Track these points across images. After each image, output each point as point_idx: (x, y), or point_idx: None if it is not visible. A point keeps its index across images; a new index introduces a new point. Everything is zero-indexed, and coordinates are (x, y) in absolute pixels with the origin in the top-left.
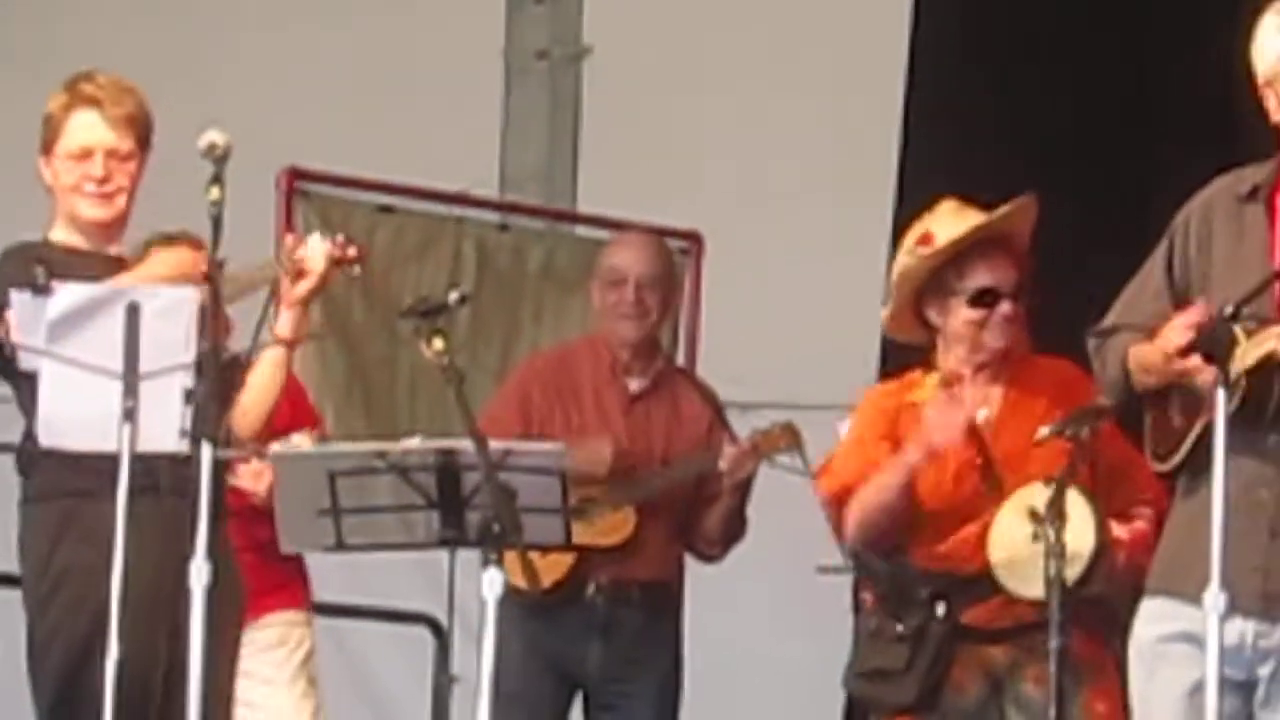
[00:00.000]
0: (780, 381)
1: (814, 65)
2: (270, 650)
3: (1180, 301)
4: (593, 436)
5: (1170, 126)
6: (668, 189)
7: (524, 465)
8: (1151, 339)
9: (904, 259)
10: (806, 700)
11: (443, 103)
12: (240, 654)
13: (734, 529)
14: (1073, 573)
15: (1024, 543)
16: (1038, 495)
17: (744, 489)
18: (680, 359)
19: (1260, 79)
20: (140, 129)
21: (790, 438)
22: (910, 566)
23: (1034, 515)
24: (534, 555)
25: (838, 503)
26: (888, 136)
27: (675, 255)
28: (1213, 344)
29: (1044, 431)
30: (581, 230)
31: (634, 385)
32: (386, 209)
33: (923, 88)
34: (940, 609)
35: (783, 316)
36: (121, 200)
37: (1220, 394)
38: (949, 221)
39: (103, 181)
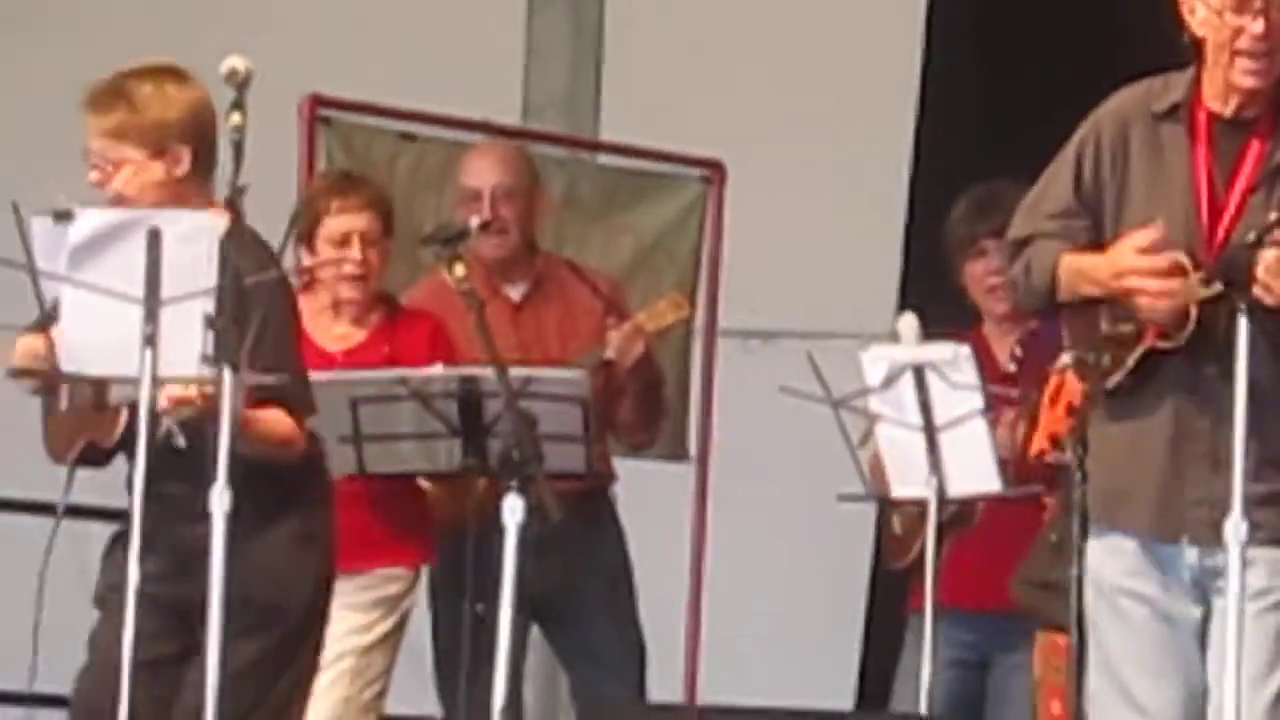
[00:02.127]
0: (802, 310)
1: None
2: (356, 613)
3: (1092, 216)
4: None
5: None
6: (690, 117)
7: (545, 393)
8: (1077, 249)
9: None
10: (824, 634)
11: (465, 30)
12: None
13: (651, 413)
14: None
15: None
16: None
17: (647, 370)
18: (703, 287)
19: None
20: (139, 136)
21: (675, 309)
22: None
23: (1054, 441)
24: (439, 487)
25: (1053, 441)
26: (910, 66)
27: (531, 159)
28: (1232, 269)
29: (1064, 359)
30: (604, 158)
31: (515, 293)
32: (408, 136)
33: (945, 15)
34: None
35: (805, 245)
36: (122, 202)
37: (1242, 322)
38: None
39: (99, 182)
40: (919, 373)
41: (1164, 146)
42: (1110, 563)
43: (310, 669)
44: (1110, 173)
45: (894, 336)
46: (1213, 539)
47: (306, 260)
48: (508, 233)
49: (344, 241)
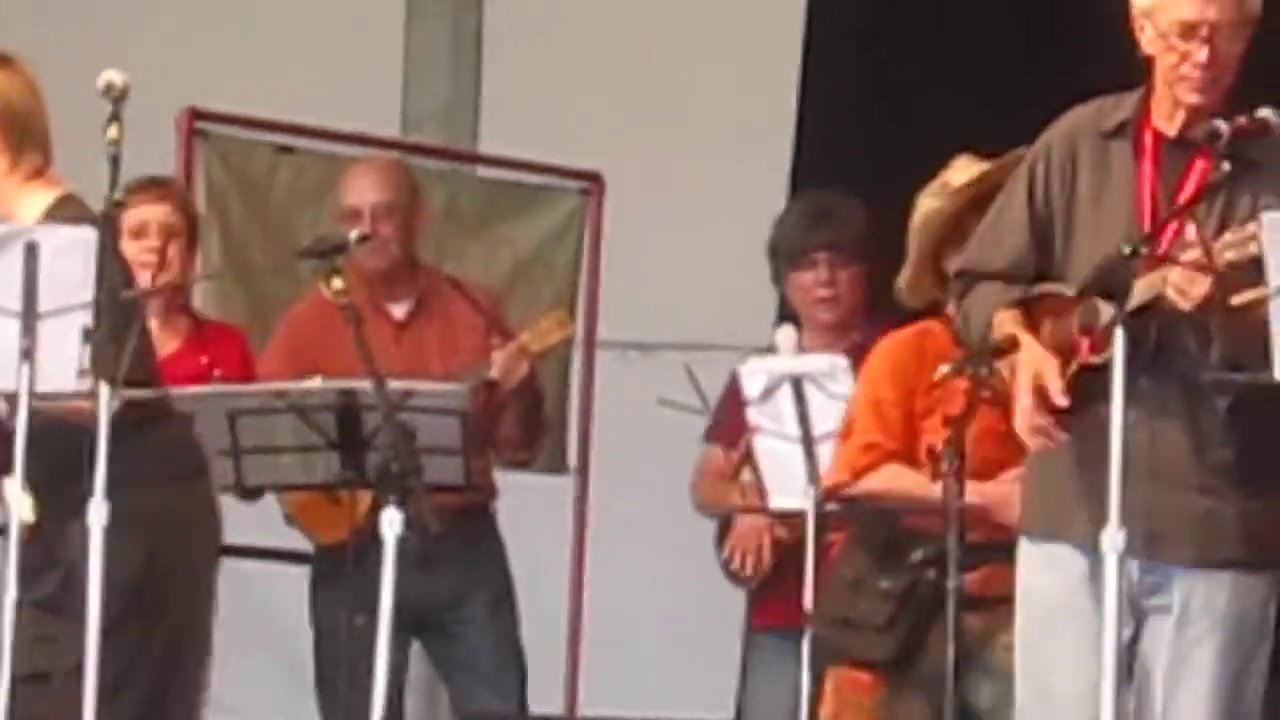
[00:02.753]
0: (680, 322)
1: (718, 5)
2: None
3: (1041, 238)
4: None
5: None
6: (569, 130)
7: (424, 406)
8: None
9: (926, 202)
10: (704, 646)
11: (343, 42)
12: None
13: (532, 431)
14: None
15: None
16: None
17: (530, 389)
18: (581, 300)
19: (1135, 10)
20: None
21: (559, 328)
22: (901, 526)
23: (931, 454)
24: (329, 503)
25: (853, 476)
26: (788, 77)
27: (413, 174)
28: (1112, 282)
29: (944, 369)
30: (483, 171)
31: (398, 311)
32: (287, 149)
33: (824, 24)
34: (930, 574)
35: (683, 257)
36: None
37: (1119, 333)
38: (966, 168)
39: None
40: (797, 384)
41: (1111, 164)
42: (1045, 576)
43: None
44: (1059, 191)
45: (772, 348)
46: (1150, 553)
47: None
48: (388, 249)
49: (140, 232)
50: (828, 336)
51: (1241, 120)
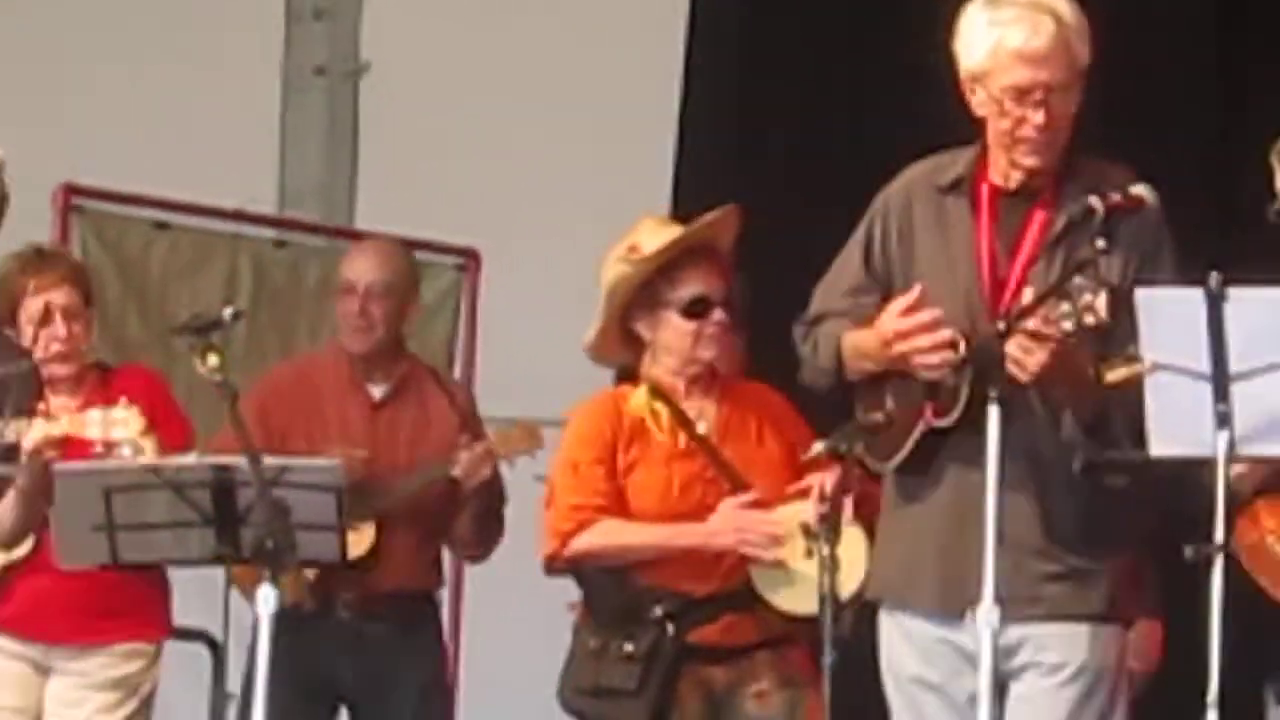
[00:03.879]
0: (560, 397)
1: (590, 82)
2: (104, 692)
3: (884, 293)
4: (326, 453)
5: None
6: (445, 206)
7: (298, 481)
8: (861, 326)
9: (616, 268)
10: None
11: (220, 119)
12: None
13: (487, 531)
14: (847, 589)
15: (794, 557)
16: (800, 512)
17: (491, 491)
18: (457, 373)
19: (964, 74)
20: None
21: (529, 440)
22: (638, 585)
23: (806, 530)
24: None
25: (563, 541)
26: (663, 154)
27: (412, 260)
28: (984, 360)
29: (818, 448)
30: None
31: (376, 392)
32: (162, 225)
33: (698, 105)
34: (670, 628)
35: (562, 332)
36: None
37: (994, 411)
38: (655, 232)
39: None
40: None
41: (949, 220)
42: (902, 649)
43: None
44: (897, 248)
45: None
46: (1004, 615)
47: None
48: (373, 330)
49: (45, 319)
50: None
51: (1117, 198)
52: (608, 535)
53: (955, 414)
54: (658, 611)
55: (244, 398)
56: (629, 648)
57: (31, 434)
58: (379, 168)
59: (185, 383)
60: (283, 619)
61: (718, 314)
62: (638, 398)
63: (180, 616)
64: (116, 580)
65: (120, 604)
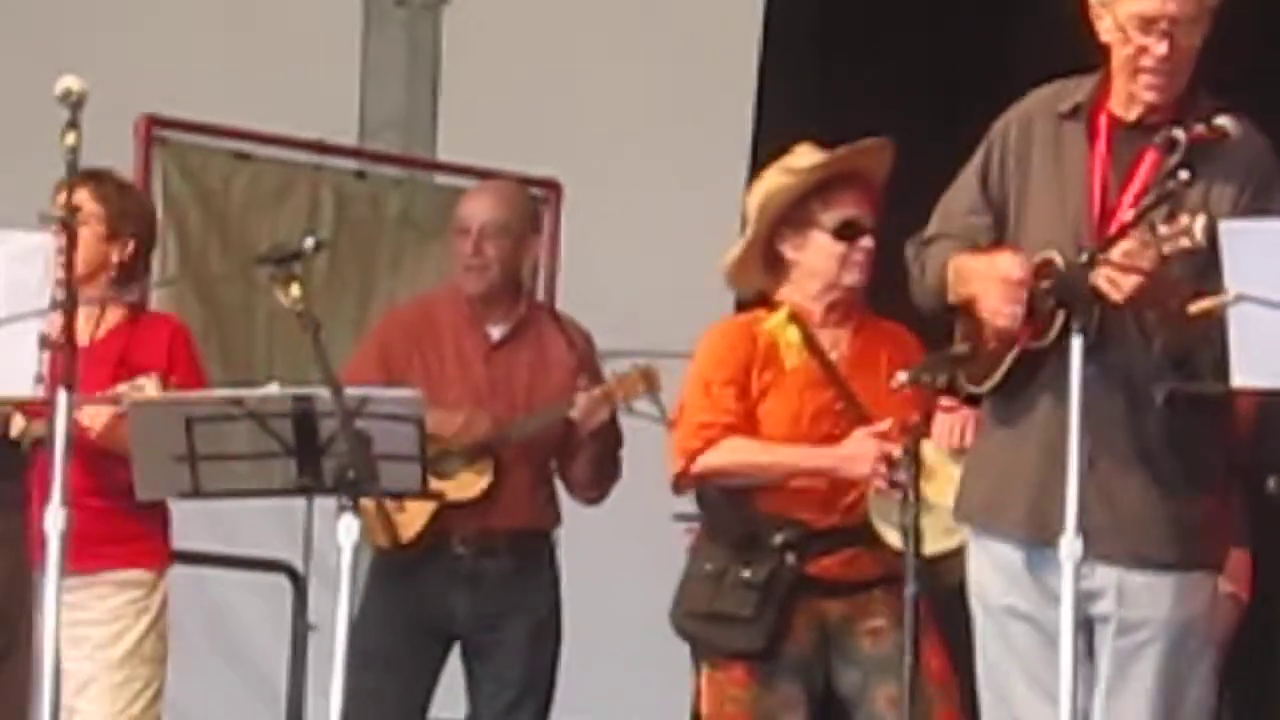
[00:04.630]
0: (640, 329)
1: (671, 11)
2: (101, 626)
3: (996, 216)
4: (448, 406)
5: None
6: (527, 137)
7: (380, 413)
8: (970, 251)
9: (773, 179)
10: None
11: (302, 50)
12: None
13: (604, 473)
14: (949, 541)
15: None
16: (929, 449)
17: (608, 435)
18: None
19: (1094, 1)
20: None
21: (647, 383)
22: (760, 513)
23: (889, 461)
24: (393, 511)
25: (690, 459)
26: (747, 82)
27: (531, 201)
28: (1069, 291)
29: (902, 377)
30: (440, 178)
31: (495, 332)
32: (244, 156)
33: (779, 29)
34: (790, 558)
35: (642, 263)
36: None
37: (1076, 343)
38: (813, 155)
39: None
40: None
41: (1065, 146)
42: (993, 580)
43: None
44: (1014, 171)
45: None
46: (1085, 552)
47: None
48: (487, 271)
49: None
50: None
51: (1200, 129)
52: (736, 453)
53: (1051, 336)
54: (778, 540)
55: (367, 336)
56: (747, 574)
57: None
58: (460, 99)
59: (265, 313)
60: (397, 557)
61: (866, 240)
62: (775, 320)
63: (261, 548)
64: (113, 510)
65: (118, 533)
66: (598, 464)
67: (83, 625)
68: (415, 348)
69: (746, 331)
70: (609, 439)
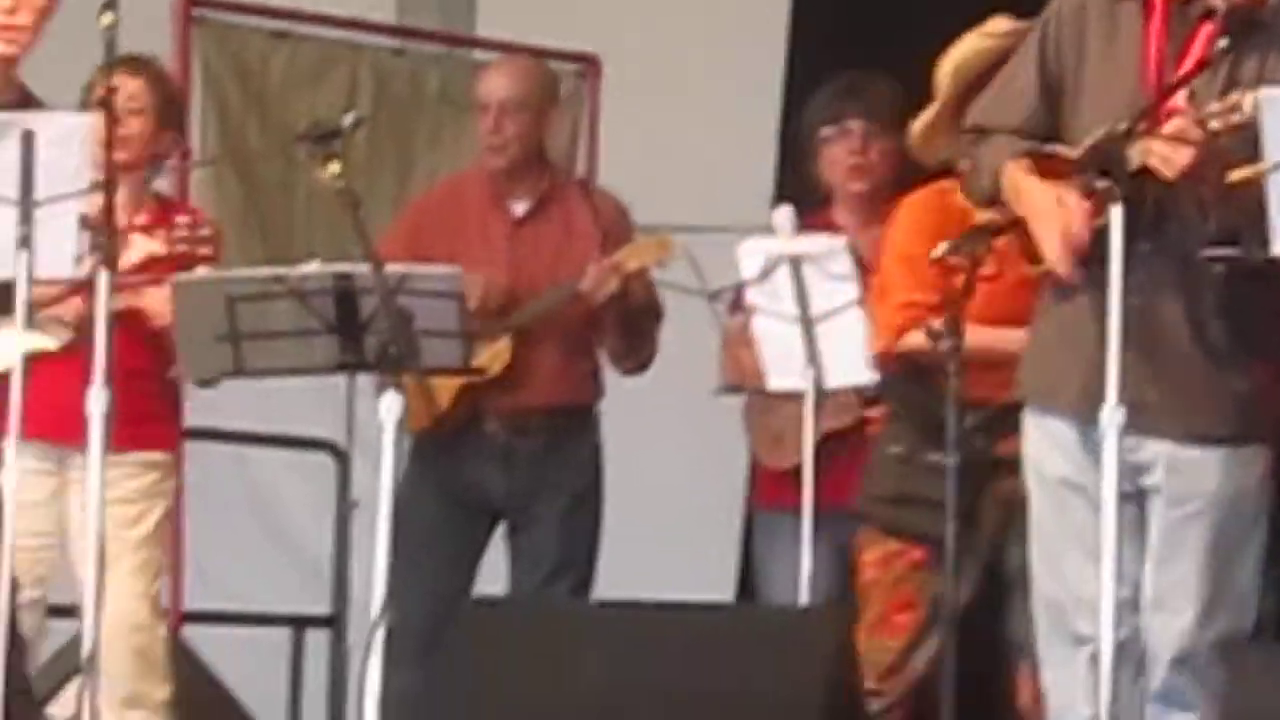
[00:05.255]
0: (678, 204)
1: None
2: (126, 505)
3: (1051, 98)
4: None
5: None
6: (565, 11)
7: (421, 289)
8: (1023, 140)
9: (971, 43)
10: (706, 525)
11: None
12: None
13: (636, 344)
14: None
15: None
16: None
17: (631, 304)
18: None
19: None
20: None
21: (659, 250)
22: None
23: (932, 334)
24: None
25: (896, 336)
26: None
27: (549, 74)
28: (1109, 159)
29: (941, 249)
30: (479, 54)
31: (518, 209)
32: (282, 34)
33: None
34: (980, 441)
35: (680, 139)
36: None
37: (1116, 211)
38: (1007, 22)
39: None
40: (795, 264)
41: (1120, 24)
42: (1049, 454)
43: None
44: (1070, 51)
45: (770, 229)
46: (1136, 425)
47: None
48: (507, 148)
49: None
50: (861, 211)
51: None
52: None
53: (1106, 215)
54: (968, 422)
55: (398, 215)
56: (936, 457)
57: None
58: None
59: (305, 191)
60: (434, 434)
61: None
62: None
63: (303, 426)
64: (139, 391)
65: (143, 414)
66: (627, 335)
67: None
68: (441, 228)
69: (943, 202)
70: (634, 309)
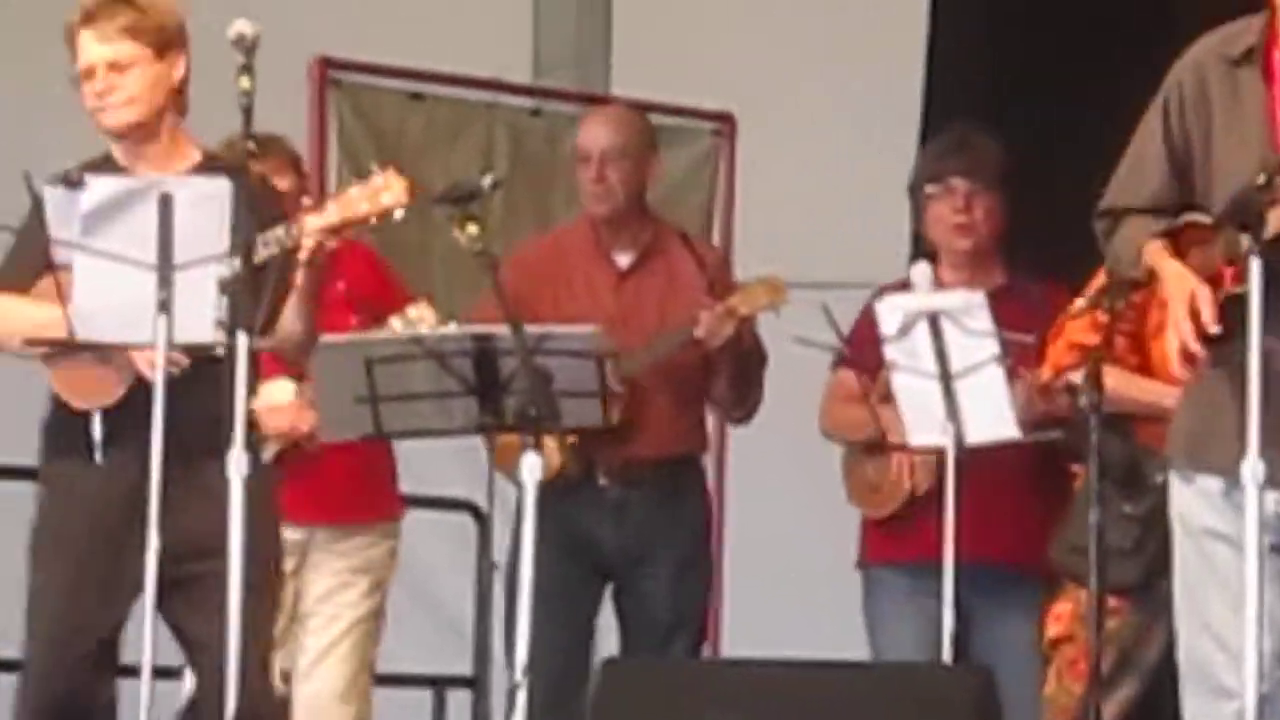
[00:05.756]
0: (815, 260)
1: None
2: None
3: (1181, 170)
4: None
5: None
6: (701, 70)
7: (560, 349)
8: (1157, 217)
9: None
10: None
11: None
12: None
13: (745, 391)
14: None
15: None
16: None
17: (742, 351)
18: (716, 236)
19: None
20: (146, 35)
21: (771, 294)
22: (1140, 445)
23: (1070, 389)
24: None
25: (1056, 373)
26: (918, 13)
27: (646, 123)
28: (1246, 213)
29: (1080, 304)
30: None
31: (622, 260)
32: (418, 96)
33: None
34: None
35: (817, 196)
36: (133, 108)
37: (1255, 264)
38: None
39: (103, 95)
40: (934, 321)
41: (1242, 91)
42: (1195, 505)
43: None
44: (1194, 121)
45: (907, 285)
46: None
47: None
48: (612, 195)
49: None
50: (965, 270)
51: None
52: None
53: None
54: (1160, 477)
55: (482, 292)
56: (1128, 508)
57: (307, 228)
58: (633, 33)
59: (441, 252)
60: (549, 488)
61: None
62: None
63: (444, 487)
64: (368, 457)
65: (371, 482)
66: (737, 382)
67: (336, 570)
68: (546, 283)
69: None
70: (745, 356)
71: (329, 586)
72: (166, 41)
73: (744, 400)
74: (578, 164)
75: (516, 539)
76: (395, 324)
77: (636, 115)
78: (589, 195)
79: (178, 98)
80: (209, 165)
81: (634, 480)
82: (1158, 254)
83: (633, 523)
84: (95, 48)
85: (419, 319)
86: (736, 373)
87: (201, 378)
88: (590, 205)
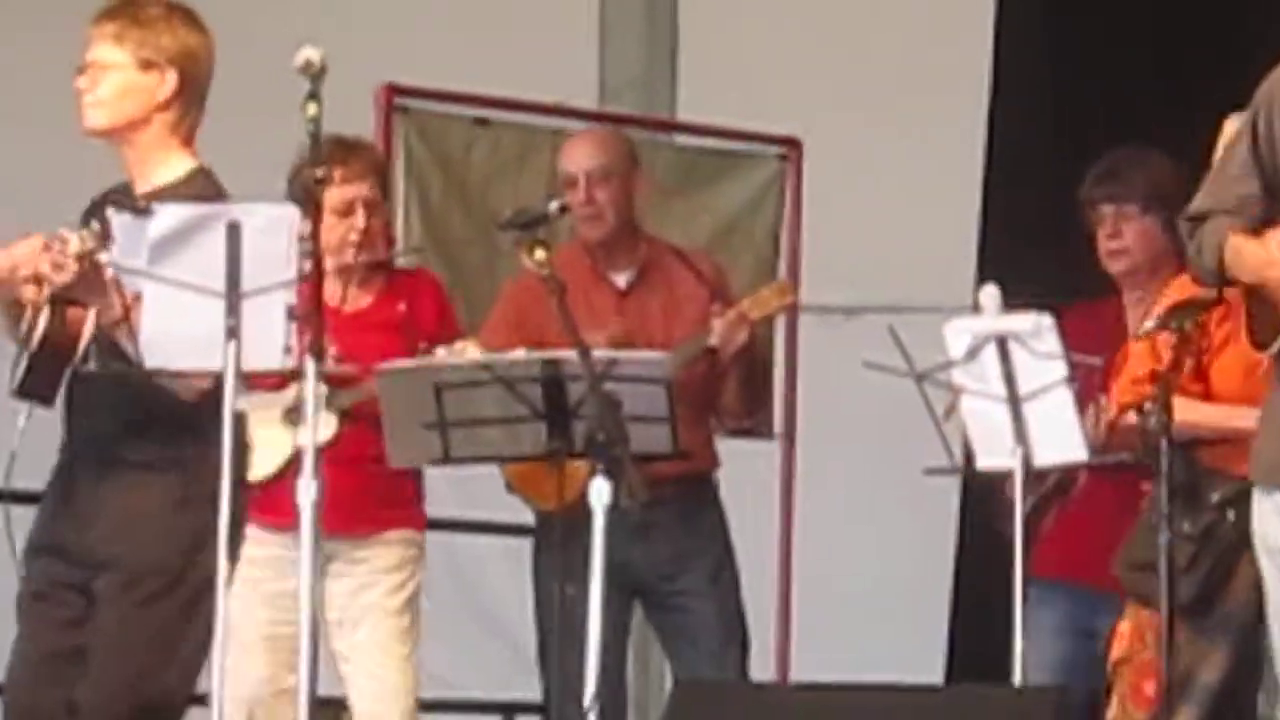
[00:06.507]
0: (883, 284)
1: None
2: (387, 574)
3: (1268, 181)
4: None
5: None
6: (766, 95)
7: (628, 374)
8: (1242, 219)
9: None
10: (912, 609)
11: (539, 13)
12: (356, 567)
13: (754, 398)
14: None
15: None
16: None
17: (752, 357)
18: (783, 266)
19: None
20: (132, 45)
21: (781, 296)
22: (1201, 466)
23: (1139, 409)
24: (548, 472)
25: (1120, 411)
26: (983, 37)
27: (627, 141)
28: None
29: (1148, 325)
30: (681, 139)
31: (620, 280)
32: (483, 122)
33: None
34: (1231, 514)
35: (883, 220)
36: (99, 111)
37: None
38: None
39: (82, 93)
40: (1002, 343)
41: None
42: (1275, 522)
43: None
44: None
45: (976, 308)
46: None
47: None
48: (603, 216)
49: (348, 210)
50: (1136, 290)
51: None
52: (1197, 417)
53: None
54: (1215, 496)
55: (501, 299)
56: (1185, 526)
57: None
58: (699, 59)
59: (509, 277)
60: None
61: None
62: None
63: (511, 512)
64: (381, 472)
65: (392, 495)
66: (745, 388)
67: (372, 574)
68: (548, 307)
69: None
70: (752, 361)
71: (350, 588)
72: (155, 58)
73: (753, 406)
74: (565, 188)
75: (564, 563)
76: (440, 354)
77: (617, 134)
78: (581, 219)
79: (164, 115)
80: (171, 192)
81: (656, 500)
82: (1239, 238)
83: (659, 541)
84: (89, 46)
85: (462, 352)
86: (746, 381)
87: (96, 393)
88: (584, 229)
